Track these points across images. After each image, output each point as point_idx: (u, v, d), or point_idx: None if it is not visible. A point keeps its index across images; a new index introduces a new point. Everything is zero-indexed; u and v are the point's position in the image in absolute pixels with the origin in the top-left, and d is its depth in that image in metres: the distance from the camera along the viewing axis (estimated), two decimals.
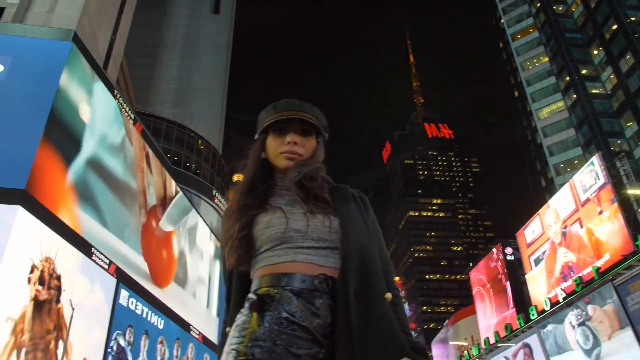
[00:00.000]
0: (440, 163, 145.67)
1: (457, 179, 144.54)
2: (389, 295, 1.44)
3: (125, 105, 21.26)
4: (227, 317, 1.61)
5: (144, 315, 21.53)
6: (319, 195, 1.57)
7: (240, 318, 1.42)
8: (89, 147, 18.78)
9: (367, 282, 1.42)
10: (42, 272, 14.10)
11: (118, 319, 19.18)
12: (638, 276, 22.26)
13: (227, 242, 1.57)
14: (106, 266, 18.58)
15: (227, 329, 1.51)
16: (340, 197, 1.62)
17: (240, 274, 1.57)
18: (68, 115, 17.40)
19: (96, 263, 17.92)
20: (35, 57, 17.12)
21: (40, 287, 13.90)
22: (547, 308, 28.77)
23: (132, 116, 21.95)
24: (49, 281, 14.66)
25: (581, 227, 27.46)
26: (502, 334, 33.85)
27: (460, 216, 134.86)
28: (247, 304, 1.43)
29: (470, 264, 50.27)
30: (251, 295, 1.44)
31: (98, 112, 19.25)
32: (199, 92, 57.10)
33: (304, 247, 1.48)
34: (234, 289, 1.60)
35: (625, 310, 22.62)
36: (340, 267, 1.48)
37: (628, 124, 42.69)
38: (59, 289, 15.16)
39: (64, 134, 17.30)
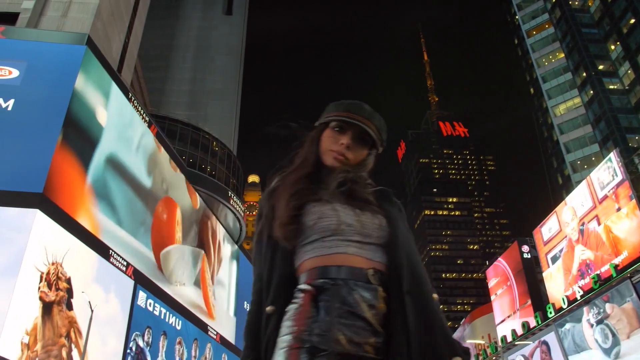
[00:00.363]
0: (455, 161, 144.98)
1: (472, 177, 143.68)
2: (435, 295, 1.50)
3: (139, 108, 21.39)
4: (261, 296, 1.56)
5: (162, 316, 21.69)
6: (362, 197, 1.62)
7: (293, 307, 1.45)
8: (106, 149, 18.95)
9: (417, 281, 1.49)
10: (48, 274, 14.29)
11: (137, 320, 19.32)
12: None
13: (275, 217, 1.58)
14: (124, 268, 18.75)
15: (269, 308, 1.48)
16: (385, 199, 1.68)
17: (285, 254, 1.56)
18: (84, 118, 17.41)
19: (114, 265, 18.08)
20: (50, 61, 17.10)
21: (46, 290, 14.09)
22: (565, 306, 28.55)
23: (147, 119, 22.10)
24: (56, 283, 14.83)
25: (599, 224, 27.18)
26: (520, 332, 33.71)
27: (476, 215, 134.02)
28: (300, 295, 1.46)
29: (487, 262, 50.00)
30: (305, 287, 1.47)
31: (114, 114, 19.43)
32: (212, 94, 57.25)
33: (353, 241, 1.51)
34: (279, 269, 1.55)
35: None
36: (388, 263, 1.53)
37: None
38: (69, 291, 15.31)
39: (81, 137, 17.28)
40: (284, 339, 1.38)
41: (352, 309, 1.41)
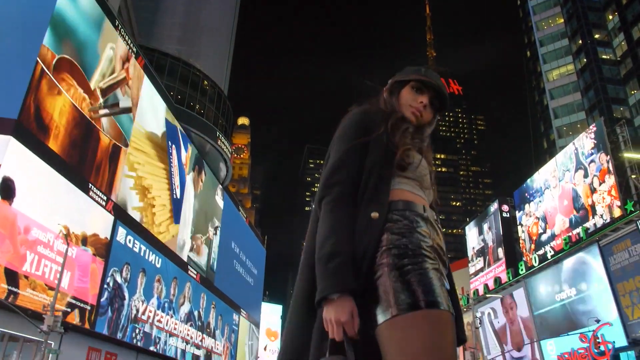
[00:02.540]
0: (447, 118, 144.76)
1: (462, 135, 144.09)
2: None
3: (127, 37, 20.70)
4: (351, 198, 1.68)
5: (142, 254, 21.74)
6: (430, 160, 1.93)
7: (401, 225, 1.63)
8: (90, 75, 18.36)
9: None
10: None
11: (115, 256, 19.35)
12: (623, 238, 22.89)
13: (394, 142, 1.78)
14: (104, 203, 18.69)
15: (375, 214, 1.62)
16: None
17: (390, 176, 1.73)
18: (64, 43, 16.59)
19: (93, 200, 17.97)
20: None
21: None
22: (536, 264, 29.56)
23: (135, 49, 21.46)
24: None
25: (576, 187, 27.97)
26: (492, 286, 35.01)
27: (461, 172, 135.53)
28: (407, 220, 1.64)
29: (467, 219, 51.01)
30: (411, 215, 1.66)
31: (91, 38, 18.46)
32: (207, 30, 55.32)
33: (423, 190, 1.80)
34: (386, 186, 1.70)
35: (606, 269, 23.40)
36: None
37: (632, 92, 42.46)
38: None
39: (63, 64, 16.45)
40: (416, 252, 1.56)
41: (440, 242, 1.71)
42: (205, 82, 38.91)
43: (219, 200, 34.23)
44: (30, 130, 14.56)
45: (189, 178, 28.20)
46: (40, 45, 15.08)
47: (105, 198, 18.62)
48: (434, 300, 1.44)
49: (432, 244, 1.62)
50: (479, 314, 32.97)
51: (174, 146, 26.15)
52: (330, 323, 1.46)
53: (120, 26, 20.05)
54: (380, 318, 1.45)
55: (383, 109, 1.90)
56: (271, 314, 58.34)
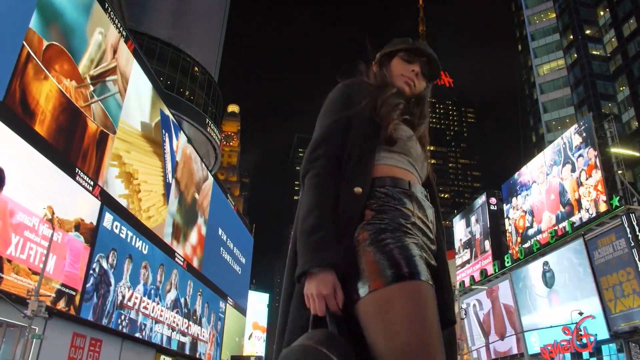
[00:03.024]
0: (437, 110, 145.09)
1: (452, 127, 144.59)
2: None
3: (116, 20, 20.43)
4: (338, 172, 1.63)
5: (129, 240, 21.58)
6: (425, 140, 1.89)
7: (383, 201, 1.58)
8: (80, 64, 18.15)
9: (440, 219, 1.81)
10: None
11: (101, 241, 19.15)
12: (607, 233, 23.15)
13: (380, 114, 1.71)
14: (90, 188, 18.50)
15: (358, 189, 1.57)
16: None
17: (374, 149, 1.67)
18: (52, 24, 16.35)
19: (80, 184, 17.76)
20: None
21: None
22: (522, 257, 29.85)
23: (124, 33, 21.21)
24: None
25: (564, 182, 28.20)
26: (477, 278, 35.29)
27: (450, 165, 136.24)
28: (388, 197, 1.59)
29: (455, 212, 51.24)
30: (395, 192, 1.61)
31: (79, 22, 18.13)
32: (198, 15, 54.51)
33: (414, 166, 1.74)
34: (369, 160, 1.65)
35: (590, 263, 23.67)
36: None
37: (621, 88, 42.81)
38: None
39: (51, 47, 16.22)
40: (398, 227, 1.51)
41: (425, 219, 1.65)
42: (196, 69, 38.57)
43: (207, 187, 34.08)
44: (16, 114, 14.35)
45: (179, 156, 28.14)
46: (27, 28, 14.82)
47: (92, 183, 18.45)
48: (412, 271, 1.40)
49: (413, 221, 1.57)
50: (464, 306, 33.26)
51: (167, 134, 26.03)
52: (312, 298, 1.40)
53: (109, 9, 19.77)
54: (359, 293, 1.41)
55: (372, 82, 1.86)
56: (258, 302, 58.41)
